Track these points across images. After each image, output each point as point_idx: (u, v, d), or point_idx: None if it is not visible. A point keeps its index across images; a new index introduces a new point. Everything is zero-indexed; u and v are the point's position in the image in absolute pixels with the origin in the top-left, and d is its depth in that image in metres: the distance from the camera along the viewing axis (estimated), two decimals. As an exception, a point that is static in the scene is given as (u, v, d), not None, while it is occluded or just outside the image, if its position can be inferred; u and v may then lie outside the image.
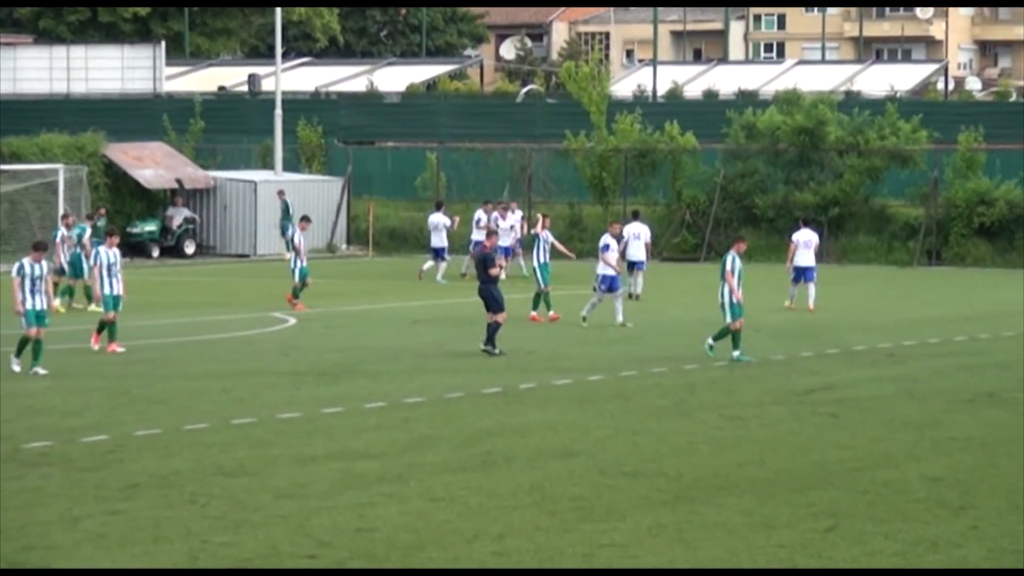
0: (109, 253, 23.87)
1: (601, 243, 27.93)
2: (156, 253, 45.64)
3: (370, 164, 53.84)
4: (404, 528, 12.22)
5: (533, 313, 28.39)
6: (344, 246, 49.74)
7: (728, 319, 22.93)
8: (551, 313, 28.39)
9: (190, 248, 47.36)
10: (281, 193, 47.38)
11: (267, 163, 51.25)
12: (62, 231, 31.07)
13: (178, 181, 47.95)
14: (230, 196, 48.52)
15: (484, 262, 23.83)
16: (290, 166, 51.42)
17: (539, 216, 30.23)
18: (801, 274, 30.97)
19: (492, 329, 23.43)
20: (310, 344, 25.36)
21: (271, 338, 26.62)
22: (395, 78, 68.01)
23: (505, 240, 37.64)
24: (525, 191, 48.15)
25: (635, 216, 34.43)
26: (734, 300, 22.82)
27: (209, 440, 16.26)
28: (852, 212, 45.77)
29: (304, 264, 30.80)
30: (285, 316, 29.48)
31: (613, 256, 27.44)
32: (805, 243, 31.22)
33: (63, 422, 17.47)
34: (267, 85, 58.51)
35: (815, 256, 31.41)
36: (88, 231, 31.04)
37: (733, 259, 23.07)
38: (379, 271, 42.22)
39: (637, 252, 32.74)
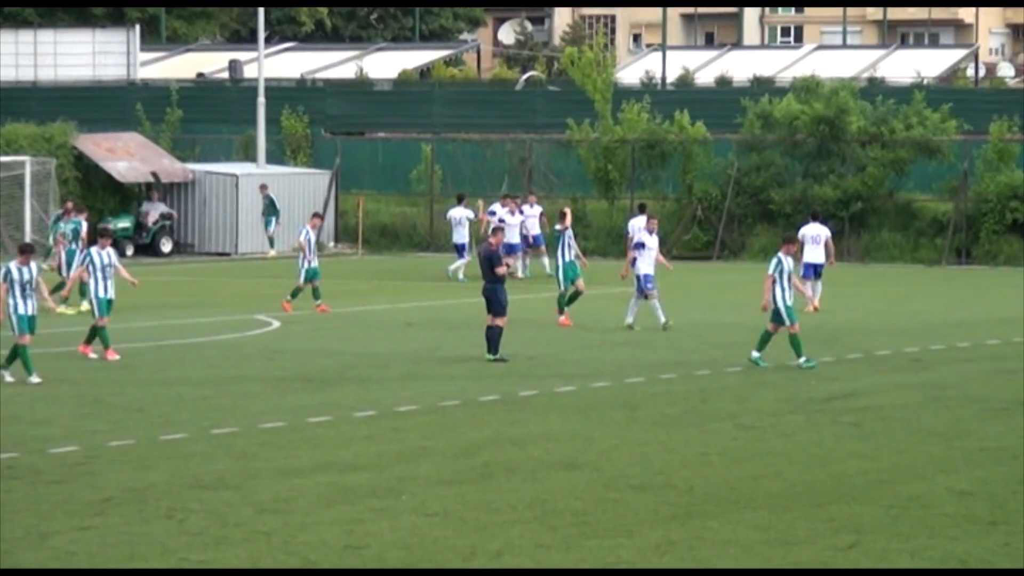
0: (102, 254, 23.87)
1: (635, 240, 27.98)
2: (130, 251, 45.63)
3: (359, 156, 53.87)
4: (395, 545, 12.21)
5: (561, 318, 28.24)
6: (332, 244, 49.76)
7: (787, 322, 22.95)
8: (562, 317, 28.27)
9: (167, 246, 47.41)
10: (264, 187, 47.43)
11: (249, 155, 51.29)
12: (61, 226, 31.13)
13: (153, 174, 47.99)
14: (209, 190, 48.59)
15: (490, 261, 23.84)
16: (274, 158, 51.44)
17: (563, 211, 29.91)
18: (811, 270, 31.14)
19: (494, 335, 23.42)
20: (295, 348, 25.36)
21: (254, 342, 26.62)
22: (386, 64, 68.00)
23: (513, 237, 37.73)
24: (525, 185, 48.16)
25: (642, 210, 34.47)
26: (787, 303, 22.82)
27: (187, 451, 16.26)
28: (875, 207, 45.80)
29: (314, 264, 30.83)
30: (269, 319, 29.50)
31: (650, 255, 27.51)
32: (813, 238, 31.35)
33: (30, 431, 17.47)
34: (249, 72, 58.53)
35: (824, 252, 31.52)
36: (84, 226, 31.02)
37: (778, 262, 23.07)
38: (369, 270, 42.24)
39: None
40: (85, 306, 29.14)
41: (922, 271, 43.11)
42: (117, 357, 23.44)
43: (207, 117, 55.12)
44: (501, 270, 23.85)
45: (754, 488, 14.51)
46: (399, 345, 25.75)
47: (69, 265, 29.87)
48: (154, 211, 47.46)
